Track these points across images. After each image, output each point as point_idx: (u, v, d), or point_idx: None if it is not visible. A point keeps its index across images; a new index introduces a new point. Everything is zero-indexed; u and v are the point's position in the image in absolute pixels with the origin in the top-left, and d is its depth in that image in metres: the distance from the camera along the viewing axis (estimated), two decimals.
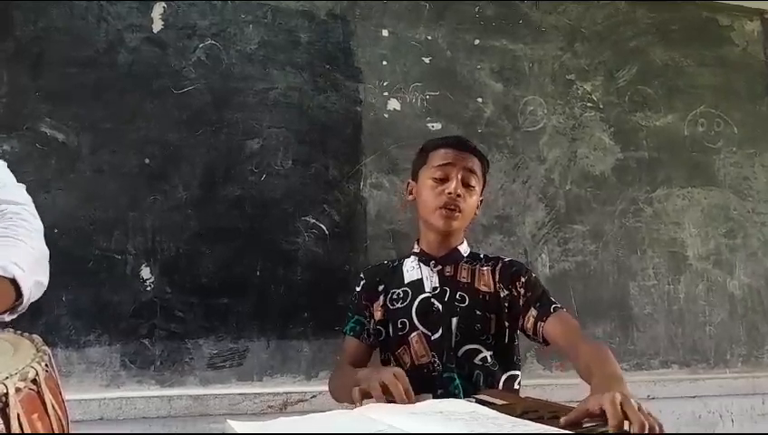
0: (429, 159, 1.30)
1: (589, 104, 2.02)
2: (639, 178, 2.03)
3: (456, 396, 1.16)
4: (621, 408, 0.75)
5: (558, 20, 2.03)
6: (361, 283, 1.37)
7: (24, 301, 0.87)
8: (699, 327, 1.99)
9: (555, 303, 1.21)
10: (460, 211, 1.25)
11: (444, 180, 1.25)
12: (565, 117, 1.99)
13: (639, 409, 0.76)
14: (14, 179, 1.05)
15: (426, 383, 1.20)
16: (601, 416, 0.77)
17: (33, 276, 0.89)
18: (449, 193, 1.23)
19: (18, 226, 0.94)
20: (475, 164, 1.29)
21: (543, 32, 2.01)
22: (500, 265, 1.30)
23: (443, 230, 1.27)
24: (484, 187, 1.35)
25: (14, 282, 0.85)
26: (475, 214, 1.34)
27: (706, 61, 2.17)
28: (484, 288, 1.27)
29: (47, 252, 0.98)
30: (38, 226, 0.99)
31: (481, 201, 1.36)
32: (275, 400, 1.58)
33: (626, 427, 0.74)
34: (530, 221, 1.91)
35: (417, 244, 1.36)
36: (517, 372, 1.29)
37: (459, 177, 1.24)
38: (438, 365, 1.22)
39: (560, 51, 2.02)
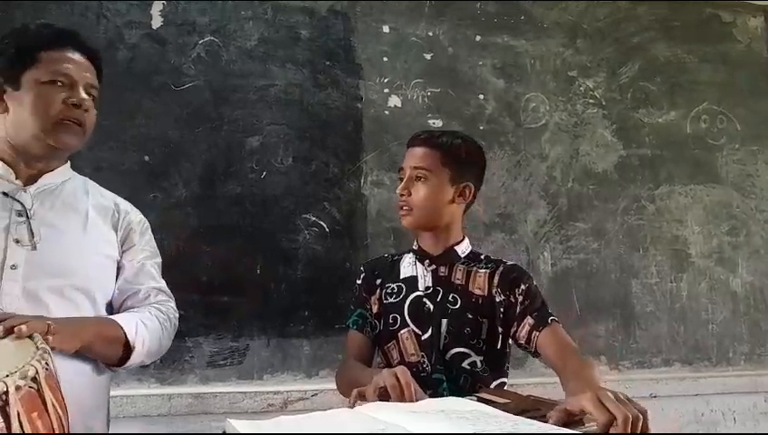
0: None
1: (591, 101, 2.01)
2: (642, 175, 2.02)
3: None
4: (603, 405, 0.75)
5: (560, 16, 2.02)
6: (362, 276, 1.37)
7: (123, 366, 1.04)
8: (702, 325, 1.99)
9: (552, 315, 1.18)
10: (409, 208, 1.26)
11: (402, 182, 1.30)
12: (567, 114, 1.98)
13: (618, 399, 0.76)
14: (155, 246, 1.20)
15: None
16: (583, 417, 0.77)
17: (143, 358, 1.05)
18: (399, 195, 1.28)
19: (164, 314, 1.11)
20: (423, 157, 1.26)
21: (545, 28, 2.00)
22: (500, 268, 1.26)
23: (407, 229, 1.32)
24: (460, 175, 1.27)
25: (127, 347, 1.01)
26: (464, 202, 1.29)
27: (709, 57, 2.16)
28: (477, 291, 1.25)
29: (165, 349, 1.13)
30: (175, 323, 1.15)
31: (464, 187, 1.28)
32: (276, 398, 1.58)
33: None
34: (532, 219, 1.90)
35: (416, 241, 1.35)
36: (506, 380, 1.27)
37: (406, 176, 1.27)
38: (427, 366, 1.21)
39: (562, 47, 2.01)
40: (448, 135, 1.30)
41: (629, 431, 0.72)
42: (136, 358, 1.03)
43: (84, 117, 1.04)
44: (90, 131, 1.08)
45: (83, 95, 1.03)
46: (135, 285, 1.11)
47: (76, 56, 1.04)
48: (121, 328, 1.00)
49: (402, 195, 1.26)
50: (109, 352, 1.01)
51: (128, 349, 1.01)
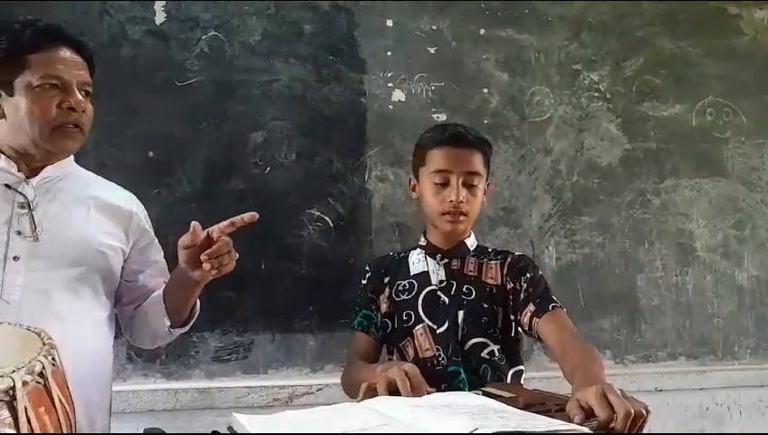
0: (427, 160, 1.26)
1: (595, 94, 2.00)
2: (647, 169, 2.01)
3: (460, 390, 1.16)
4: (606, 400, 0.75)
5: (564, 10, 2.00)
6: (367, 276, 1.36)
7: (182, 328, 1.16)
8: (707, 319, 1.98)
9: (555, 302, 1.18)
10: (465, 215, 1.23)
11: (444, 184, 1.23)
12: (572, 107, 1.97)
13: (624, 396, 0.76)
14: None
15: (430, 377, 1.18)
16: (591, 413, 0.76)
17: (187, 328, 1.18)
18: (451, 201, 1.21)
19: None
20: (476, 162, 1.24)
21: (549, 22, 1.99)
22: (509, 258, 1.28)
23: (450, 233, 1.27)
24: (489, 173, 1.30)
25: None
26: (483, 202, 1.32)
27: (715, 50, 2.14)
28: (491, 281, 1.26)
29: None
30: None
31: (488, 185, 1.32)
32: (281, 393, 1.58)
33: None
34: (536, 213, 1.89)
35: (424, 236, 1.35)
36: (522, 368, 1.28)
37: (460, 182, 1.21)
38: (443, 359, 1.21)
39: (566, 41, 1.99)
40: (473, 130, 1.29)
41: (628, 428, 0.72)
42: (188, 326, 1.16)
43: (82, 119, 1.02)
44: (88, 130, 1.06)
45: (79, 97, 1.01)
46: (165, 278, 1.17)
47: (66, 54, 1.01)
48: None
49: (461, 202, 1.21)
50: (189, 307, 1.13)
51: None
